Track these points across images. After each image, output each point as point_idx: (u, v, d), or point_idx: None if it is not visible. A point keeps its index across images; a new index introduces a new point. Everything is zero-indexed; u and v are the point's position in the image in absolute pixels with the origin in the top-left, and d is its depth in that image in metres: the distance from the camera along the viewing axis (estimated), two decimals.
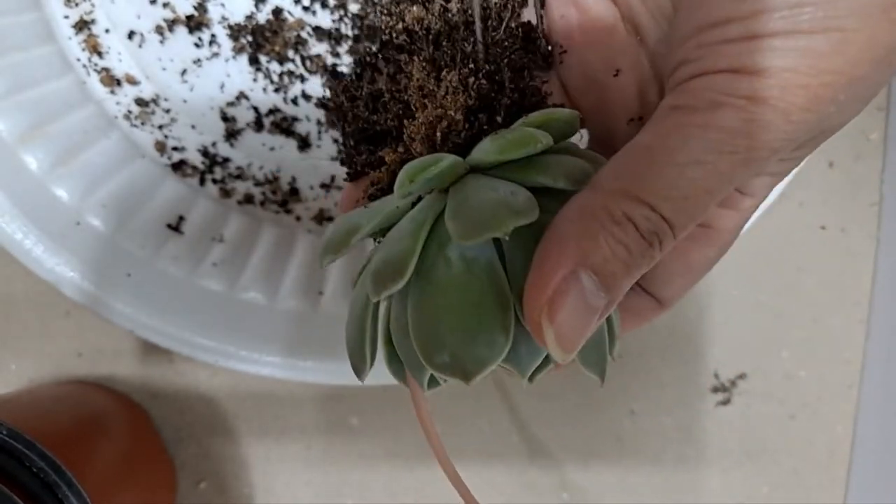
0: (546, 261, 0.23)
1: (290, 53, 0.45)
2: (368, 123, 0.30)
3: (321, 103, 0.32)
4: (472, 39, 0.29)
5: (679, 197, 0.22)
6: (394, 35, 0.29)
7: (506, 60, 0.29)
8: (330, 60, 0.45)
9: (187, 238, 0.46)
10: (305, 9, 0.45)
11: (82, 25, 0.46)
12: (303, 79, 0.46)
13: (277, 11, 0.45)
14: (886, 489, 0.46)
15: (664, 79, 0.28)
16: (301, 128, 0.46)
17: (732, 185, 0.23)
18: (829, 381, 0.49)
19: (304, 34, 0.45)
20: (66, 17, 0.46)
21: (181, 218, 0.46)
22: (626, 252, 0.23)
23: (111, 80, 0.46)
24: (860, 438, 0.49)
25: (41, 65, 0.45)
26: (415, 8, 0.29)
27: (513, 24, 0.29)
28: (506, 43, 0.29)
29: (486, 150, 0.26)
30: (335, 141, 0.46)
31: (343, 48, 0.45)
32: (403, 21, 0.29)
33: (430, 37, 0.29)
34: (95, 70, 0.46)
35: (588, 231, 0.22)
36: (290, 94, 0.46)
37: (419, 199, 0.27)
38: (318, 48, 0.45)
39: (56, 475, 0.34)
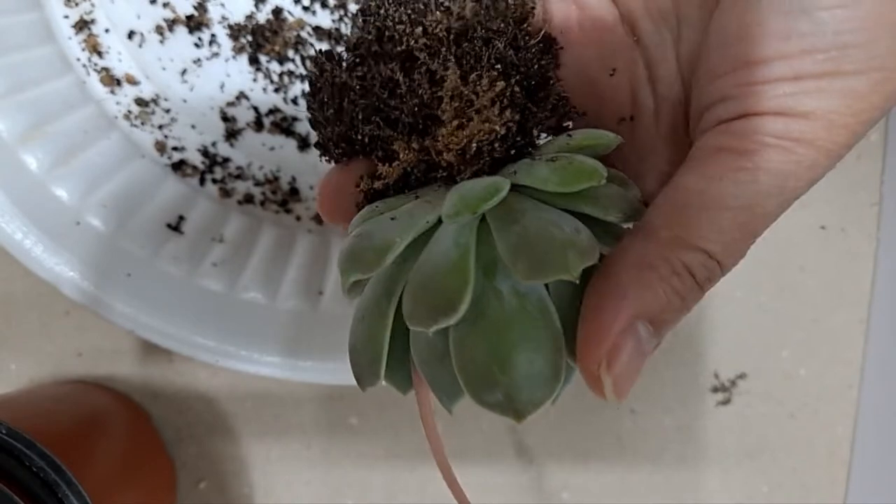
0: (603, 312, 0.23)
1: (290, 53, 0.46)
2: (383, 104, 0.27)
3: (312, 64, 0.29)
4: (498, 41, 0.27)
5: (731, 240, 0.23)
6: (412, 41, 0.27)
7: (535, 66, 0.28)
8: None
9: (187, 238, 0.46)
10: (305, 9, 0.45)
11: (82, 25, 0.46)
12: (303, 79, 0.46)
13: (277, 11, 0.45)
14: (886, 489, 0.46)
15: (672, 80, 0.28)
16: (301, 127, 0.46)
17: (773, 222, 0.24)
18: (829, 380, 0.49)
19: (303, 34, 0.45)
20: (66, 16, 0.46)
21: (181, 218, 0.46)
22: (681, 301, 0.23)
23: (111, 80, 0.46)
24: (860, 438, 0.48)
25: (41, 65, 0.45)
26: (437, 13, 0.27)
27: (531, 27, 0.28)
28: (533, 47, 0.28)
29: (546, 179, 0.24)
30: None
31: (343, 48, 0.45)
32: (422, 25, 0.27)
33: (451, 37, 0.27)
34: (95, 70, 0.46)
35: (646, 282, 0.23)
36: (290, 94, 0.46)
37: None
38: (319, 48, 0.45)
39: (56, 475, 0.34)
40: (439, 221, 0.24)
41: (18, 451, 0.34)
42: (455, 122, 0.26)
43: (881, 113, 0.23)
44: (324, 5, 0.45)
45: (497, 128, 0.26)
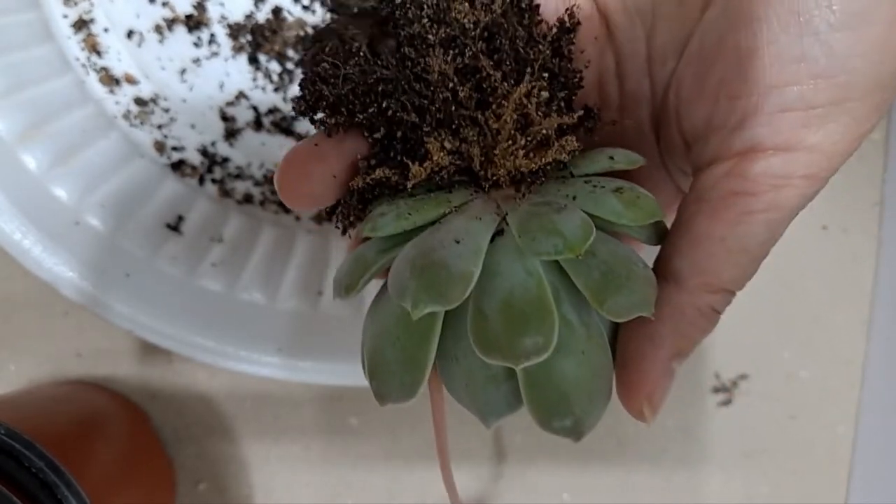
0: (643, 360, 0.25)
1: (290, 53, 0.45)
2: (408, 84, 0.25)
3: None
4: (542, 44, 0.26)
5: (749, 275, 0.25)
6: (440, 29, 0.25)
7: (575, 79, 0.27)
8: None
9: (186, 238, 0.46)
10: (305, 8, 0.45)
11: (81, 25, 0.46)
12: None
13: (277, 11, 0.45)
14: (887, 490, 0.46)
15: (640, 76, 0.28)
16: (301, 127, 0.46)
17: None
18: (830, 381, 0.49)
19: (303, 33, 0.45)
20: (65, 16, 0.46)
21: (180, 218, 0.46)
22: (706, 334, 0.25)
23: (110, 80, 0.46)
24: (861, 439, 0.48)
25: (40, 64, 0.45)
26: (464, 4, 0.26)
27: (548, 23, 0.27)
28: (573, 56, 0.27)
29: (620, 213, 0.24)
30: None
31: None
32: (453, 15, 0.25)
33: (479, 31, 0.26)
34: (94, 69, 0.46)
35: (680, 329, 0.25)
36: (290, 94, 0.46)
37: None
38: None
39: (55, 475, 0.34)
40: (490, 240, 0.24)
41: (17, 451, 0.34)
42: (522, 142, 0.25)
43: (868, 132, 0.23)
44: (323, 4, 0.45)
45: (564, 157, 0.25)
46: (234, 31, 0.45)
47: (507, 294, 0.23)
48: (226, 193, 0.47)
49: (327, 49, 0.26)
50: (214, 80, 0.46)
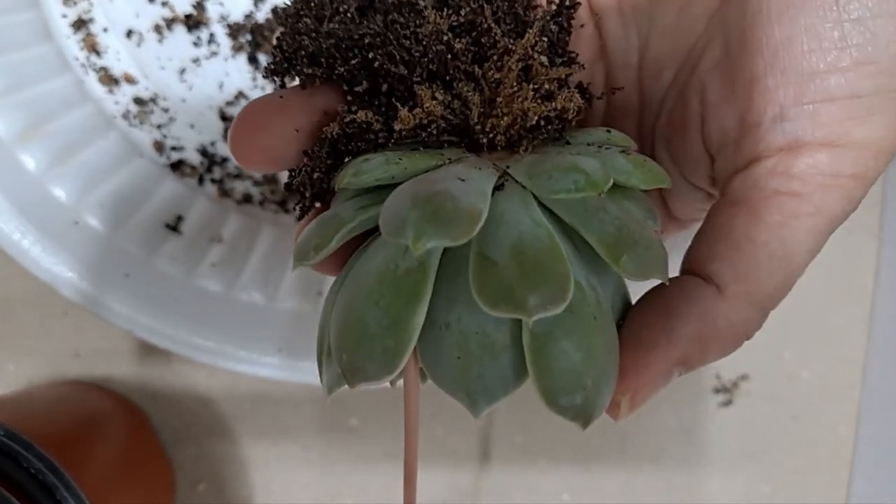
0: (651, 351, 0.22)
1: None
2: (396, 36, 0.23)
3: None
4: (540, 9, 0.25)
5: (785, 291, 0.23)
6: None
7: (573, 54, 0.25)
8: None
9: (186, 238, 0.45)
10: None
11: (80, 24, 0.46)
12: None
13: (276, 10, 0.45)
14: (888, 490, 0.46)
15: (632, 85, 0.26)
16: None
17: None
18: (831, 381, 0.49)
19: None
20: (65, 15, 0.46)
21: (179, 218, 0.46)
22: (722, 356, 0.23)
23: (109, 80, 0.46)
24: (862, 439, 0.48)
25: (39, 64, 0.45)
26: None
27: None
28: (571, 29, 0.26)
29: (629, 172, 0.22)
30: None
31: None
32: None
33: None
34: (94, 69, 0.46)
35: (702, 338, 0.22)
36: None
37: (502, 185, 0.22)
38: None
39: (54, 476, 0.34)
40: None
41: (16, 452, 0.34)
42: (529, 88, 0.23)
43: None
44: None
45: (572, 108, 0.24)
46: (234, 30, 0.45)
47: (516, 240, 0.20)
48: (225, 193, 0.47)
49: (312, 3, 0.24)
50: (214, 79, 0.46)
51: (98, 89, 0.46)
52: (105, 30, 0.46)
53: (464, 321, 0.21)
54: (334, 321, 0.22)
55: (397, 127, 0.23)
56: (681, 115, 0.25)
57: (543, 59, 0.24)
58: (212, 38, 0.46)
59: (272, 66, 0.24)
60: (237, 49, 0.45)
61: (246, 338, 0.45)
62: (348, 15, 0.23)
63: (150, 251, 0.45)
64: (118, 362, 0.49)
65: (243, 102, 0.46)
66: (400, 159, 0.22)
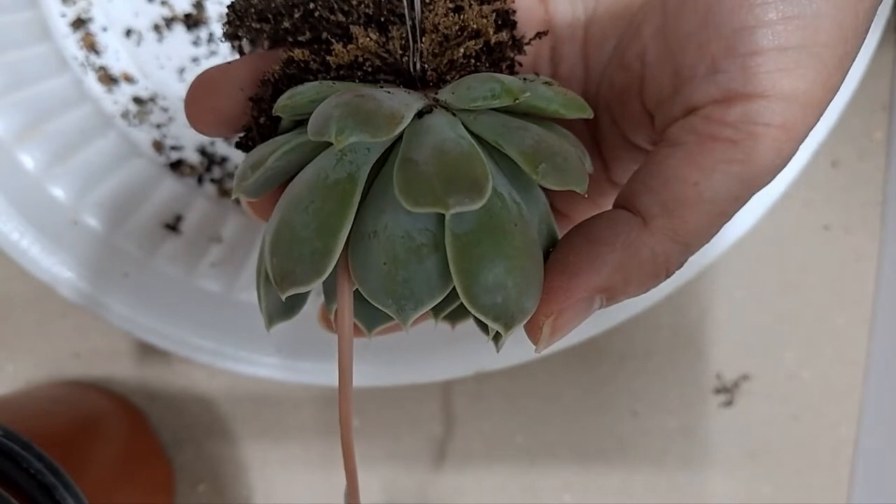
0: (575, 276, 0.23)
1: None
2: None
3: None
4: None
5: (710, 233, 0.24)
6: None
7: (505, 9, 0.27)
8: None
9: (185, 238, 0.45)
10: None
11: (79, 23, 0.45)
12: None
13: None
14: (890, 490, 0.46)
15: (576, 60, 0.27)
16: None
17: None
18: (832, 381, 0.49)
19: None
20: (63, 15, 0.46)
21: (179, 217, 0.46)
22: (644, 289, 0.24)
23: (108, 79, 0.46)
24: (863, 439, 0.48)
25: (38, 63, 0.45)
26: None
27: None
28: None
29: (550, 98, 0.24)
30: None
31: None
32: None
33: None
34: (92, 68, 0.46)
35: (626, 267, 0.23)
36: None
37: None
38: None
39: (53, 476, 0.34)
40: (418, 116, 0.23)
41: (15, 452, 0.34)
42: (449, 5, 0.25)
43: (834, 94, 0.23)
44: None
45: (491, 31, 0.25)
46: None
47: (438, 144, 0.21)
48: (224, 193, 0.47)
49: None
50: None
51: (97, 89, 0.46)
52: (104, 29, 0.46)
53: (390, 227, 0.22)
54: (268, 232, 0.23)
55: (333, 62, 0.24)
56: (622, 79, 0.26)
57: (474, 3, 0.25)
58: (211, 38, 0.46)
59: (227, 27, 0.25)
60: (237, 49, 0.45)
61: (246, 338, 0.44)
62: None
63: (150, 251, 0.45)
64: (117, 363, 0.49)
65: None
66: (333, 83, 0.23)
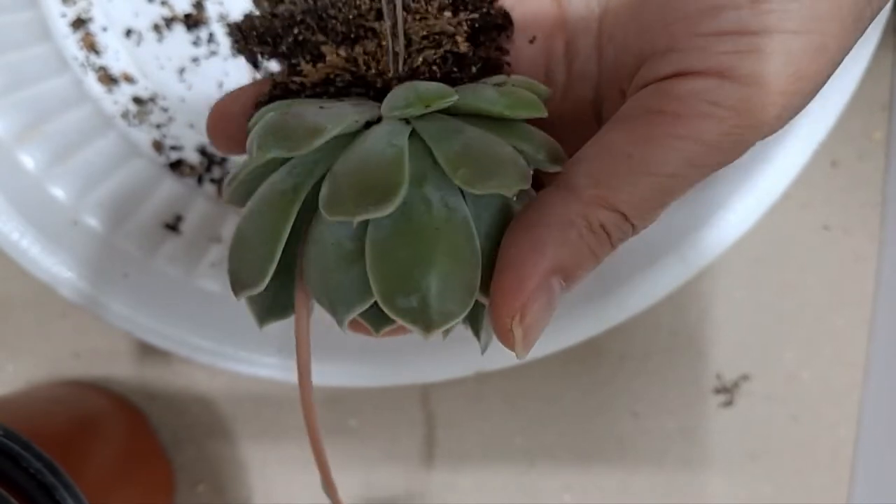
0: (522, 266, 0.22)
1: None
2: (323, 12, 0.26)
3: None
4: None
5: (648, 207, 0.23)
6: None
7: (484, 9, 0.27)
8: None
9: (185, 238, 0.45)
10: None
11: (79, 23, 0.45)
12: None
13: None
14: (890, 490, 0.46)
15: (592, 54, 0.27)
16: None
17: (688, 192, 0.23)
18: (832, 382, 0.49)
19: None
20: (63, 15, 0.46)
21: (179, 217, 0.46)
22: (595, 259, 0.23)
23: (108, 79, 0.46)
24: (863, 440, 0.48)
25: (38, 63, 0.45)
26: None
27: None
28: None
29: (494, 101, 0.24)
30: None
31: None
32: None
33: None
34: (92, 68, 0.46)
35: (566, 239, 0.22)
36: None
37: (378, 120, 0.24)
38: None
39: (53, 476, 0.34)
40: (367, 126, 0.24)
41: (15, 452, 0.34)
42: (412, 18, 0.26)
43: (814, 85, 0.22)
44: None
45: (459, 39, 0.25)
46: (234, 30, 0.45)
47: (364, 154, 0.22)
48: None
49: None
50: (213, 79, 0.46)
51: (97, 89, 0.46)
52: (104, 29, 0.46)
53: (325, 236, 0.23)
54: (231, 243, 0.25)
55: (307, 82, 0.26)
56: (612, 68, 0.26)
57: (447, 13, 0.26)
58: (211, 38, 0.46)
59: (235, 45, 0.28)
60: (251, 62, 0.45)
61: (246, 338, 0.44)
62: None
63: (150, 251, 0.45)
64: (117, 363, 0.49)
65: None
66: (291, 103, 0.25)
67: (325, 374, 0.45)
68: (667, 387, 0.49)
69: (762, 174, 0.42)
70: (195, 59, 0.46)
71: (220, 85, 0.46)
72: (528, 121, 0.25)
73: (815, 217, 0.48)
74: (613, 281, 0.43)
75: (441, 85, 0.24)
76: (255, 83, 0.28)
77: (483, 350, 0.24)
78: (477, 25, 0.27)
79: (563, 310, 0.43)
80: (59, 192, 0.44)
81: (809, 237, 0.48)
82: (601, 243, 0.23)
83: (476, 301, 0.23)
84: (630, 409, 0.49)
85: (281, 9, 0.27)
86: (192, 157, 0.46)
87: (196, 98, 0.46)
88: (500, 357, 0.44)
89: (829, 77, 0.23)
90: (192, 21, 0.45)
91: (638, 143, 0.22)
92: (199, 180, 0.46)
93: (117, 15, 0.46)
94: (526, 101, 0.24)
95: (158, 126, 0.46)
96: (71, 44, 0.46)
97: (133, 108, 0.46)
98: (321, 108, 0.24)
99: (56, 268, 0.44)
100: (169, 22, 0.45)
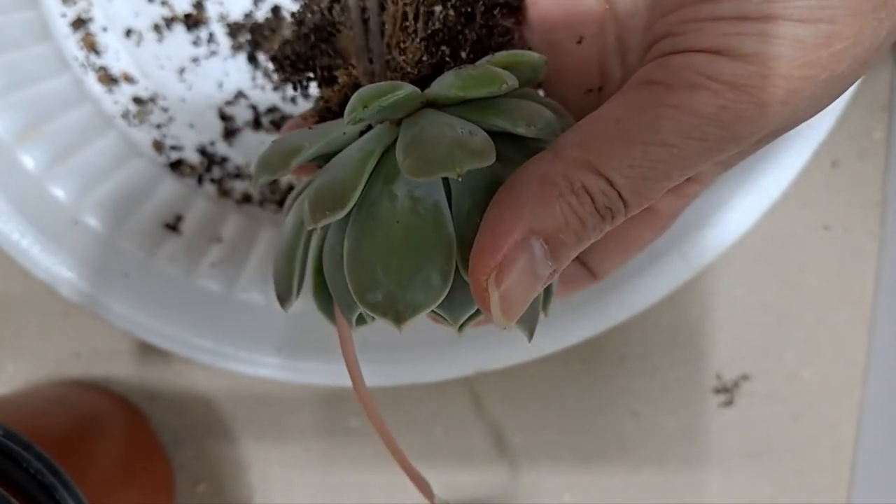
0: (499, 224, 0.22)
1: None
2: (332, 27, 0.27)
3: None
4: None
5: (638, 177, 0.22)
6: None
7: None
8: None
9: (185, 238, 0.45)
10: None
11: (79, 23, 0.45)
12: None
13: (276, 9, 0.45)
14: (890, 490, 0.46)
15: (640, 49, 0.27)
16: None
17: (692, 172, 0.23)
18: (832, 381, 0.49)
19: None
20: (64, 15, 0.46)
21: (179, 217, 0.46)
22: (579, 223, 0.22)
23: (108, 79, 0.46)
24: (863, 439, 0.48)
25: (38, 63, 0.45)
26: None
27: None
28: None
29: (448, 84, 0.24)
30: None
31: None
32: None
33: None
34: (93, 68, 0.46)
35: (545, 198, 0.22)
36: (289, 93, 0.46)
37: (369, 128, 0.25)
38: None
39: (53, 477, 0.34)
40: (360, 135, 0.25)
41: (15, 452, 0.34)
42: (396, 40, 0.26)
43: (828, 74, 0.22)
44: None
45: (414, 40, 0.26)
46: (233, 30, 0.45)
47: (333, 171, 0.24)
48: (224, 193, 0.47)
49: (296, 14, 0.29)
50: (213, 79, 0.46)
51: (97, 89, 0.46)
52: (104, 29, 0.46)
53: (326, 243, 0.25)
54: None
55: (332, 106, 0.27)
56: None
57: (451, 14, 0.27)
58: (211, 38, 0.45)
59: (280, 78, 0.29)
60: (237, 48, 0.45)
61: (246, 338, 0.44)
62: (322, 5, 0.28)
63: (150, 251, 0.45)
64: (117, 363, 0.49)
65: (243, 102, 0.46)
66: (310, 128, 0.26)
67: (326, 374, 0.45)
68: (667, 386, 0.49)
69: (762, 174, 0.42)
70: (195, 59, 0.46)
71: (220, 85, 0.46)
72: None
73: (816, 217, 0.48)
74: (613, 280, 0.43)
75: (392, 82, 0.24)
76: (311, 110, 0.29)
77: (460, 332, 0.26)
78: (467, 10, 0.27)
79: (563, 310, 0.43)
80: (59, 192, 0.44)
81: (810, 237, 0.48)
82: (583, 205, 0.22)
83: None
84: (630, 408, 0.49)
85: (304, 30, 0.28)
86: (192, 157, 0.46)
87: (196, 98, 0.46)
88: (500, 357, 0.44)
89: (852, 67, 0.22)
90: (192, 21, 0.45)
91: (627, 109, 0.22)
92: (200, 180, 0.46)
93: (117, 15, 0.46)
94: (481, 78, 0.24)
95: (158, 126, 0.46)
96: (71, 44, 0.46)
97: (133, 108, 0.46)
98: (309, 128, 0.26)
99: (56, 268, 0.44)
100: (169, 22, 0.45)
